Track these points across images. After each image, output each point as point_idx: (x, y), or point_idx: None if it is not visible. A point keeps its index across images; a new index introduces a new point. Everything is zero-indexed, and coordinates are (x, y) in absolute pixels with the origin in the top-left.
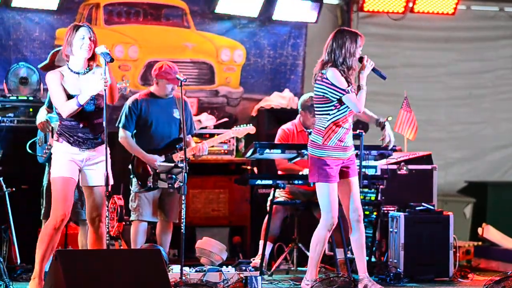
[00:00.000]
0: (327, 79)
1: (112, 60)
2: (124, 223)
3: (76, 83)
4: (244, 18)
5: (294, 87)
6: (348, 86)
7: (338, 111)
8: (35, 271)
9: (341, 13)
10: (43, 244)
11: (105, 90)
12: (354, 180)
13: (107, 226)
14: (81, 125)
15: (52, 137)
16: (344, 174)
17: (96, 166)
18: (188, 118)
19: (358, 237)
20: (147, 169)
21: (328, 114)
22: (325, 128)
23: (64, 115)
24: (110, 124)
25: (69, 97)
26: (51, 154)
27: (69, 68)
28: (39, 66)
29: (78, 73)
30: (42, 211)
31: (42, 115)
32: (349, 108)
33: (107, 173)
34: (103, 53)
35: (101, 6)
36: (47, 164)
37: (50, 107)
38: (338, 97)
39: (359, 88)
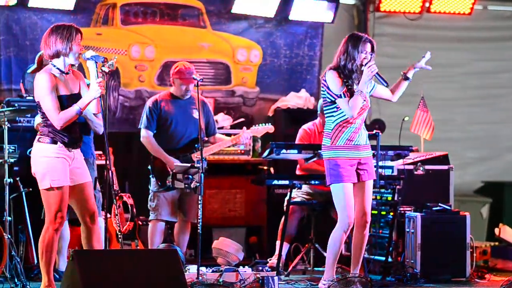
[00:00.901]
0: (325, 81)
1: (105, 58)
2: (141, 222)
3: (66, 84)
4: (261, 18)
5: (310, 87)
6: (347, 90)
7: (342, 112)
8: (46, 279)
9: (358, 13)
10: (48, 251)
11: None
12: (368, 183)
13: (118, 224)
14: (71, 125)
15: None
16: (358, 176)
17: (83, 164)
18: (210, 118)
19: (360, 239)
20: (166, 169)
21: (333, 115)
22: (332, 129)
23: (59, 123)
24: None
25: (60, 98)
26: None
27: (57, 68)
28: (29, 71)
29: (66, 73)
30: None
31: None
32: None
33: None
34: (94, 57)
35: (118, 6)
36: None
37: None
38: (332, 100)
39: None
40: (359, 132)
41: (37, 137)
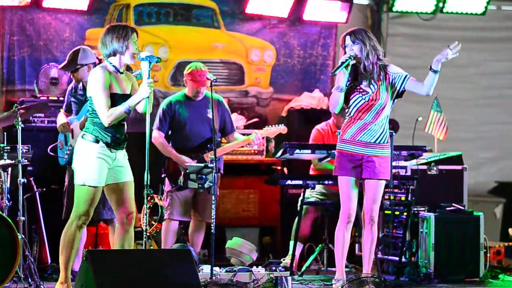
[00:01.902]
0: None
1: (159, 59)
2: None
3: (120, 83)
4: (274, 18)
5: (324, 87)
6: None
7: (350, 107)
8: (62, 276)
9: (371, 13)
10: (68, 247)
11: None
12: (371, 182)
13: (145, 225)
14: (118, 125)
15: (73, 138)
16: (366, 172)
17: (126, 163)
18: (226, 116)
19: (367, 237)
20: (178, 169)
21: (346, 111)
22: (345, 123)
23: (107, 120)
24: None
25: (113, 96)
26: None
27: (113, 66)
28: (60, 66)
29: (120, 72)
30: (64, 212)
31: (62, 118)
32: (357, 104)
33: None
34: (148, 57)
35: (132, 6)
36: (67, 166)
37: (68, 111)
38: None
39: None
40: (368, 128)
41: (81, 133)
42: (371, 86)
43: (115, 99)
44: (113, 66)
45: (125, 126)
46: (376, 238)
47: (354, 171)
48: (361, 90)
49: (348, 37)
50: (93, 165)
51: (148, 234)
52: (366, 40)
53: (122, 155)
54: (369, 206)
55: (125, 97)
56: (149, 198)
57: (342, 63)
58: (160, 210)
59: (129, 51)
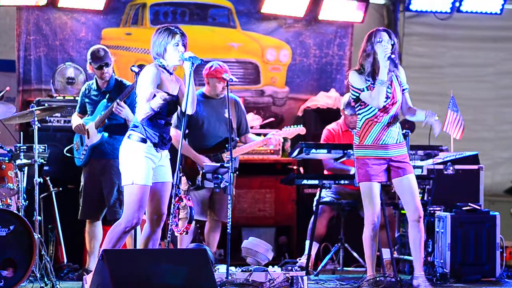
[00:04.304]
0: (349, 82)
1: (203, 61)
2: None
3: (169, 83)
4: (290, 18)
5: (340, 87)
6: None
7: (367, 109)
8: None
9: (387, 12)
10: (112, 238)
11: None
12: (407, 179)
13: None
14: (165, 125)
15: (88, 138)
16: (394, 173)
17: (167, 163)
18: (242, 118)
19: (414, 236)
20: (196, 168)
21: (360, 113)
22: (360, 128)
23: (151, 107)
24: None
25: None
26: (89, 157)
27: (162, 66)
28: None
29: (171, 73)
30: (80, 212)
31: (77, 119)
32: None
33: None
34: (192, 58)
35: (148, 6)
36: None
37: (82, 112)
38: (357, 96)
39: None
40: (388, 130)
41: (127, 133)
42: (388, 87)
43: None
44: (162, 66)
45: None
46: (424, 235)
47: (380, 176)
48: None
49: (385, 34)
50: (141, 164)
51: (177, 235)
52: (396, 45)
53: (165, 155)
54: (413, 204)
55: (172, 97)
56: (177, 198)
57: (389, 57)
58: (189, 211)
59: (168, 54)
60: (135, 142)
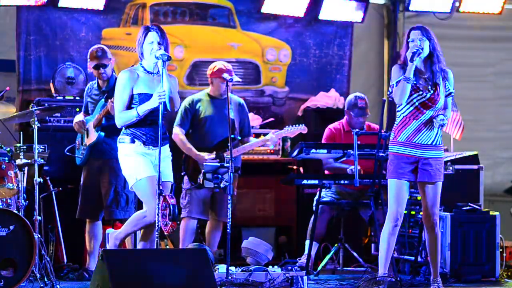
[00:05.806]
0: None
1: (169, 58)
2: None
3: (151, 83)
4: (290, 18)
5: (340, 86)
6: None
7: (405, 106)
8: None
9: (387, 12)
10: (132, 227)
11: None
12: (431, 187)
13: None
14: (152, 124)
15: (87, 137)
16: (421, 175)
17: (166, 163)
18: (245, 119)
19: (430, 242)
20: (197, 167)
21: (398, 110)
22: (397, 124)
23: (118, 122)
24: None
25: (139, 95)
26: (88, 156)
27: (142, 67)
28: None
29: (152, 73)
30: (78, 210)
31: (79, 117)
32: (415, 102)
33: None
34: (161, 55)
35: (148, 6)
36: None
37: (86, 112)
38: (390, 91)
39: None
40: (424, 130)
41: (118, 138)
42: (429, 86)
43: (142, 99)
44: (142, 67)
45: (162, 124)
46: (440, 240)
47: (408, 174)
48: (421, 88)
49: (418, 32)
50: (137, 161)
51: (166, 233)
52: (434, 40)
53: (164, 155)
54: (430, 210)
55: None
56: (161, 198)
57: (414, 53)
58: (172, 209)
59: (146, 53)
60: (126, 144)
